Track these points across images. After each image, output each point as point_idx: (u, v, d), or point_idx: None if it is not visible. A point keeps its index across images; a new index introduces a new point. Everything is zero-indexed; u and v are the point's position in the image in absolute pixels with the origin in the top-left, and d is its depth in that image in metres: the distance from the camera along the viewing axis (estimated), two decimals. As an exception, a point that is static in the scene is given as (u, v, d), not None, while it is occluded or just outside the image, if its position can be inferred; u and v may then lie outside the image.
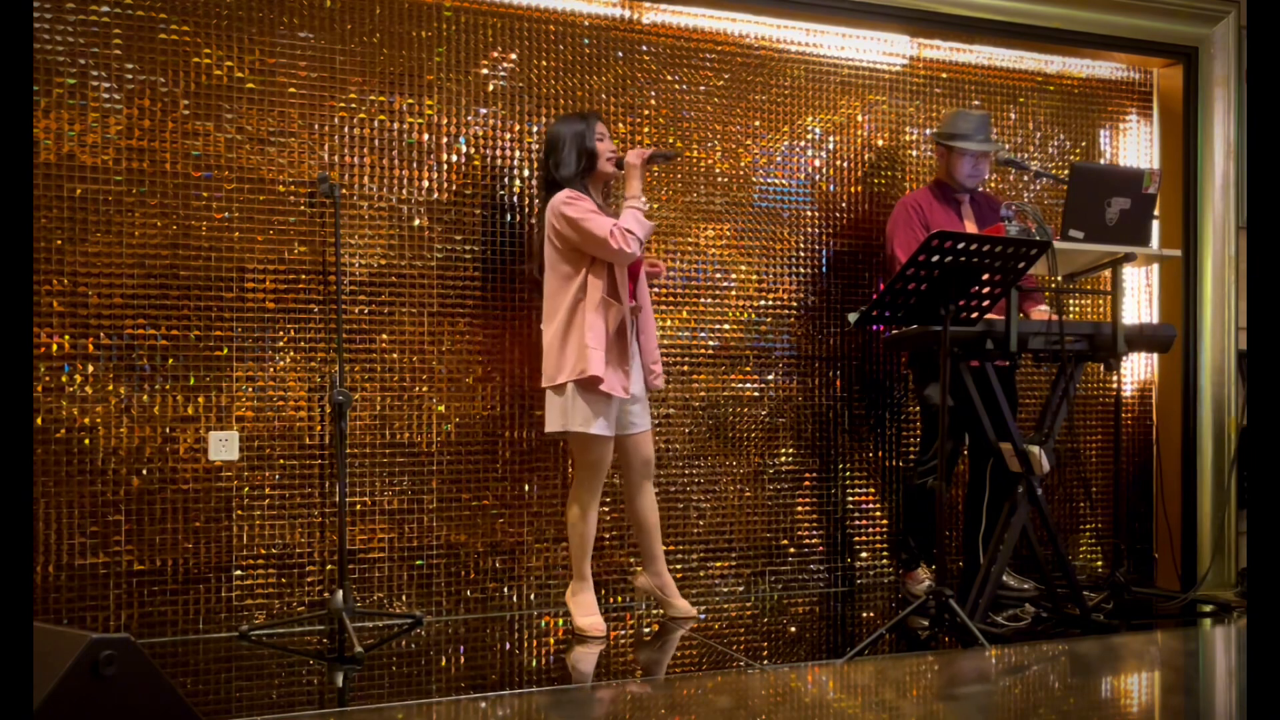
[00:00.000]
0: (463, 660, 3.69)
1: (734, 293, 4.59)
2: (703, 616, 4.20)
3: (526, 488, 4.25)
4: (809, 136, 4.75)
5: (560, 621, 4.13)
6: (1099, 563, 5.19)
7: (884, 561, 4.82)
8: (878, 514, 4.82)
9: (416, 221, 4.13)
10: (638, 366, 3.92)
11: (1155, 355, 5.22)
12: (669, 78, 4.52)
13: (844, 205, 4.80)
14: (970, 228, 4.45)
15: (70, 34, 3.71)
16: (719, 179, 4.58)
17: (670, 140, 4.49)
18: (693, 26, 4.56)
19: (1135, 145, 5.35)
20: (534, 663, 3.73)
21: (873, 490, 4.81)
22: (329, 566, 3.96)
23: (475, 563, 4.18)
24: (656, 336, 4.05)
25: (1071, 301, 5.20)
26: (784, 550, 4.66)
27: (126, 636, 2.30)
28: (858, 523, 4.78)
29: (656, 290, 4.37)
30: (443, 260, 4.15)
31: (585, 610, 3.90)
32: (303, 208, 3.98)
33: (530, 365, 4.24)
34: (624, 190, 3.85)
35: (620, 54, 4.44)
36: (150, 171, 3.80)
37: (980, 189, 4.61)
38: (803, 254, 4.72)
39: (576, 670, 3.63)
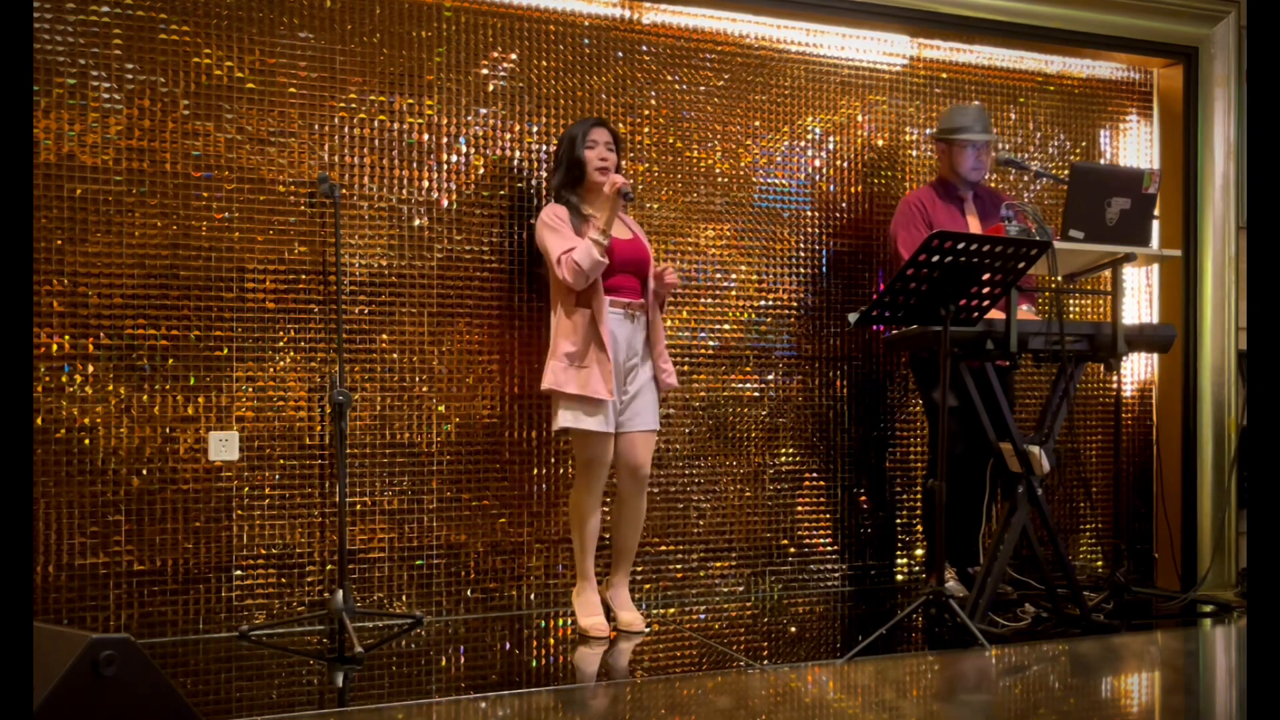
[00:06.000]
0: (463, 660, 3.69)
1: (734, 293, 4.59)
2: (703, 616, 4.20)
3: (526, 488, 4.25)
4: (809, 136, 4.75)
5: (561, 621, 4.13)
6: (1099, 563, 5.19)
7: (884, 561, 4.82)
8: (878, 514, 4.82)
9: (416, 221, 4.13)
10: (642, 368, 3.93)
11: (1155, 355, 5.22)
12: (669, 78, 4.52)
13: (844, 205, 4.80)
14: (974, 224, 4.45)
15: (70, 34, 3.71)
16: (719, 179, 4.58)
17: (670, 141, 4.50)
18: (693, 26, 4.56)
19: (1135, 145, 5.35)
20: (534, 663, 3.73)
21: (873, 490, 4.81)
22: (329, 566, 3.96)
23: (475, 563, 4.18)
24: (663, 334, 4.02)
25: (1071, 301, 5.20)
26: (784, 550, 4.66)
27: (126, 636, 2.30)
28: (857, 522, 4.78)
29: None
30: (443, 260, 4.15)
31: (588, 611, 3.90)
32: (303, 208, 3.98)
33: (530, 365, 4.24)
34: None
35: (620, 54, 4.44)
36: (150, 171, 3.80)
37: (983, 183, 4.61)
38: (803, 254, 4.72)
39: (577, 670, 3.63)
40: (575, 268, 3.68)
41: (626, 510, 3.95)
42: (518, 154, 4.27)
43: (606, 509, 4.05)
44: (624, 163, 4.11)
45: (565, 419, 3.77)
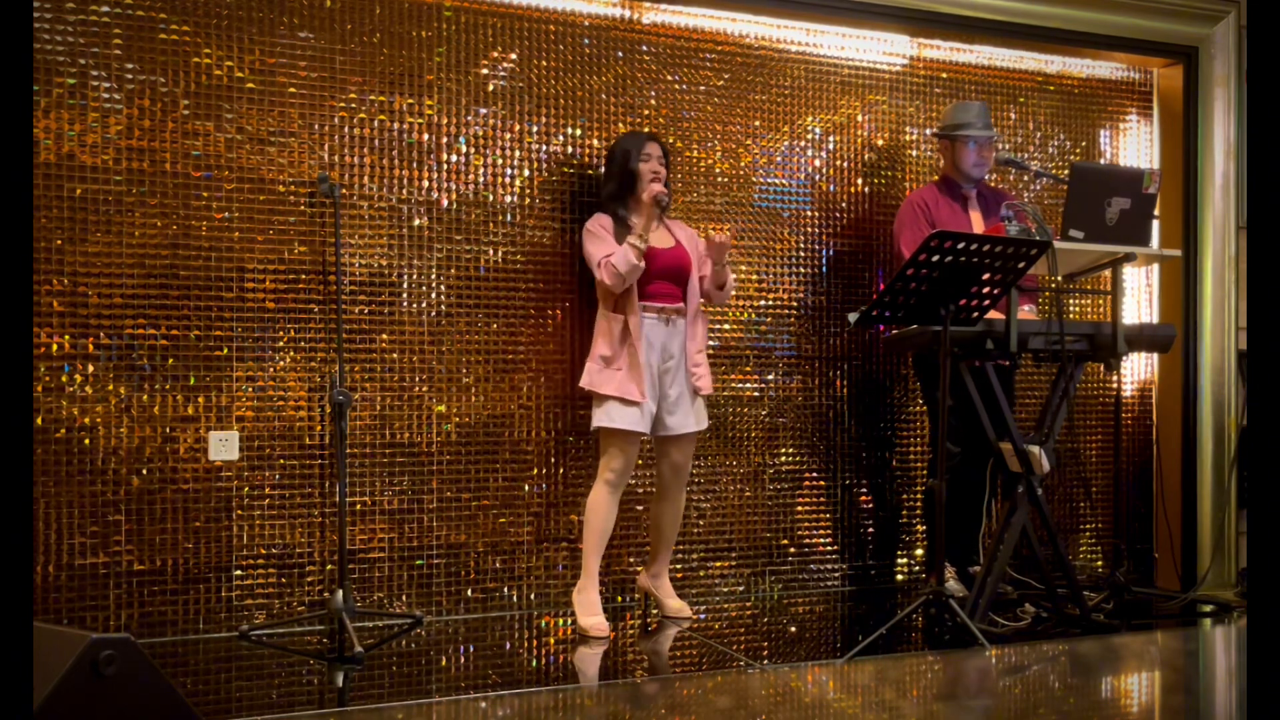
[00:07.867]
0: (463, 660, 3.69)
1: (734, 293, 4.58)
2: (703, 616, 4.20)
3: (526, 488, 4.25)
4: (809, 136, 4.74)
5: (560, 621, 4.13)
6: (1099, 563, 5.19)
7: (884, 561, 4.82)
8: (878, 514, 4.82)
9: (416, 221, 4.13)
10: (679, 372, 3.97)
11: (1155, 355, 5.22)
12: (669, 78, 4.52)
13: (844, 205, 4.80)
14: (977, 221, 4.46)
15: (70, 34, 3.71)
16: (719, 179, 4.58)
17: (670, 141, 4.49)
18: (693, 26, 4.56)
19: (1135, 145, 5.35)
20: (534, 663, 3.73)
21: (873, 490, 4.81)
22: (329, 566, 3.96)
23: (475, 563, 4.18)
24: (701, 340, 4.06)
25: (1071, 301, 5.20)
26: (784, 550, 4.66)
27: (126, 636, 2.30)
28: (857, 522, 4.78)
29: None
30: (443, 260, 4.15)
31: (589, 610, 3.91)
32: (303, 208, 3.98)
33: (530, 365, 4.24)
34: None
35: (620, 54, 4.44)
36: (150, 171, 3.80)
37: (985, 179, 4.61)
38: (803, 254, 4.72)
39: (577, 670, 3.63)
40: (613, 271, 3.83)
41: (668, 504, 4.10)
42: (518, 154, 4.27)
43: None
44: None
45: (599, 418, 3.89)
